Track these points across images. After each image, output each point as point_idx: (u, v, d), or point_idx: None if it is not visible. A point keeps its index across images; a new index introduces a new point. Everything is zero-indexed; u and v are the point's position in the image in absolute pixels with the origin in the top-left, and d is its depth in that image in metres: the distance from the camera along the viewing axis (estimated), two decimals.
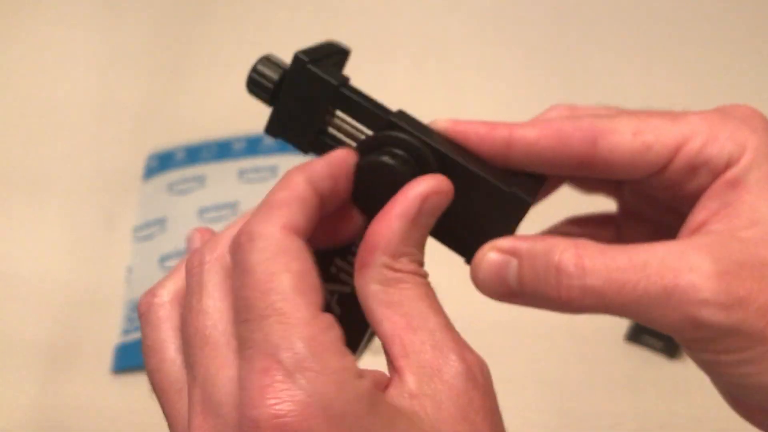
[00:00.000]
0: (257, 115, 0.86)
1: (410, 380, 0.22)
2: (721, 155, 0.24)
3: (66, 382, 0.57)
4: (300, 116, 0.26)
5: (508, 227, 0.25)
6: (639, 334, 0.56)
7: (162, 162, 0.71)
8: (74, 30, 0.88)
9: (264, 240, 0.22)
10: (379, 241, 0.24)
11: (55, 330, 0.60)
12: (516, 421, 0.53)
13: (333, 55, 0.28)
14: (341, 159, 0.25)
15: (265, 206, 0.23)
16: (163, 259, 0.62)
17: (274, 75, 0.27)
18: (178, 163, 0.70)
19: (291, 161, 0.68)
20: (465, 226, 0.26)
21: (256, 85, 0.27)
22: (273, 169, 0.67)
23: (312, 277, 0.22)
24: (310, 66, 0.26)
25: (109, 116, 0.78)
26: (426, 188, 0.24)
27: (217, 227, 0.68)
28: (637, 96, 0.77)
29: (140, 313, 0.26)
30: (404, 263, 0.24)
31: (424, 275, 0.25)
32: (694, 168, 0.24)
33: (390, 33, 0.86)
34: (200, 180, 0.68)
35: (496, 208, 0.25)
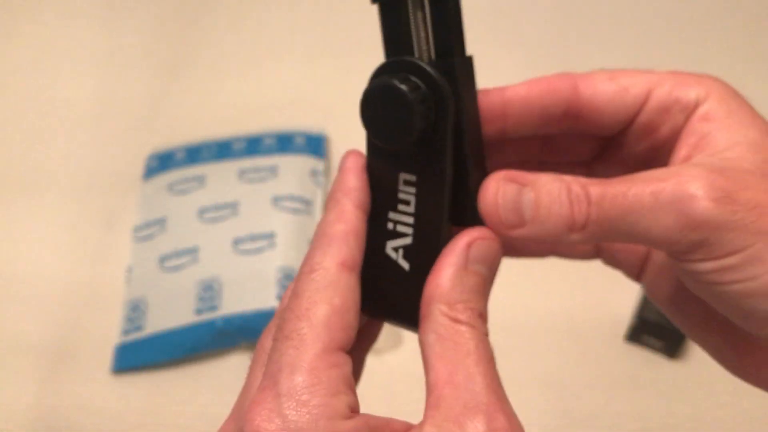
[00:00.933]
0: (257, 115, 0.86)
1: (428, 431, 0.22)
2: (689, 95, 0.26)
3: (66, 382, 0.57)
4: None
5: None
6: (639, 334, 0.56)
7: (162, 162, 0.71)
8: (74, 30, 0.88)
9: (320, 272, 0.25)
10: (434, 291, 0.24)
11: (55, 330, 0.60)
12: None
13: None
14: (361, 165, 0.27)
15: (326, 238, 0.26)
16: (163, 259, 0.62)
17: None
18: (178, 163, 0.70)
19: (291, 161, 0.68)
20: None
21: None
22: (273, 169, 0.67)
23: (349, 315, 0.24)
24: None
25: (109, 116, 0.78)
26: (470, 237, 0.25)
27: (217, 227, 0.68)
28: None
29: None
30: (460, 311, 0.24)
31: (482, 328, 0.25)
32: (666, 108, 0.26)
33: None
34: (200, 180, 0.68)
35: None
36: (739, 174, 0.23)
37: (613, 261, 0.32)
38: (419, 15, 0.25)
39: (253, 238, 0.62)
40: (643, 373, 0.56)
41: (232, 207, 0.65)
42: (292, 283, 0.27)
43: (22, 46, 0.87)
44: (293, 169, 0.67)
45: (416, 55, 0.25)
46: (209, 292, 0.59)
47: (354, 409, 0.23)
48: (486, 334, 0.24)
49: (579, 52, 0.82)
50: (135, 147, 0.73)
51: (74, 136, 0.76)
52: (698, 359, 0.56)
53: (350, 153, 0.27)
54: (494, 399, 0.23)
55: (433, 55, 0.25)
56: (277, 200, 0.64)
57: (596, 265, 0.33)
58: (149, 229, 0.65)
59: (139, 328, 0.59)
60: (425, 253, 0.26)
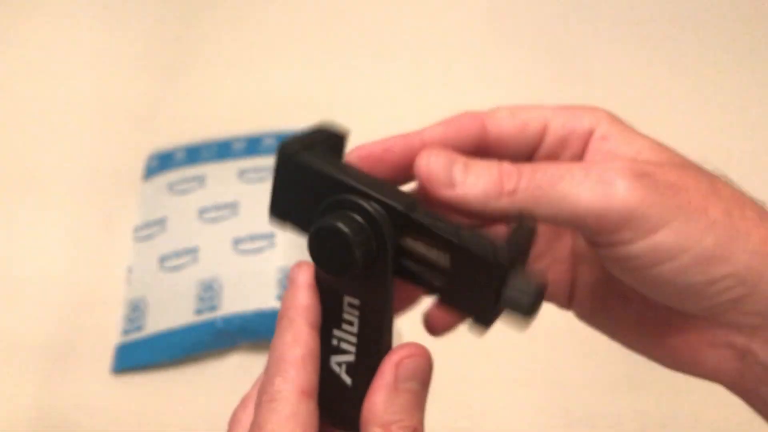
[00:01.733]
0: (257, 115, 0.86)
1: None
2: (582, 124, 0.29)
3: (66, 382, 0.57)
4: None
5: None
6: None
7: (162, 162, 0.71)
8: (74, 30, 0.88)
9: (280, 402, 0.25)
10: (368, 414, 0.26)
11: (55, 330, 0.60)
12: (516, 421, 0.53)
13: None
14: (311, 280, 0.28)
15: (284, 364, 0.26)
16: (163, 259, 0.62)
17: None
18: (178, 163, 0.70)
19: None
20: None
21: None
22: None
23: None
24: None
25: (109, 116, 0.78)
26: (398, 356, 0.26)
27: (217, 227, 0.68)
28: (638, 95, 0.77)
29: None
30: (393, 431, 0.25)
31: None
32: (563, 139, 0.29)
33: (390, 33, 0.86)
34: (200, 180, 0.68)
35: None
36: (654, 164, 0.26)
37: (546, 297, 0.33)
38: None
39: (253, 238, 0.62)
40: (643, 373, 0.56)
41: (232, 207, 0.65)
42: (248, 407, 0.28)
43: (22, 46, 0.87)
44: None
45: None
46: (209, 292, 0.59)
47: None
48: None
49: (580, 51, 0.82)
50: (135, 147, 0.73)
51: (74, 136, 0.76)
52: None
53: (300, 265, 0.28)
54: None
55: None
56: None
57: None
58: (149, 229, 0.65)
59: (139, 328, 0.59)
60: (366, 371, 0.27)
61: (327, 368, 0.28)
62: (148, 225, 0.66)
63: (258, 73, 0.81)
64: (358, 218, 0.26)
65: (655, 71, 0.80)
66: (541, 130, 0.29)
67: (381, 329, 0.27)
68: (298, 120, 0.76)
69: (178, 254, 0.62)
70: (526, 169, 0.26)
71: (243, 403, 0.28)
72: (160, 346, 0.58)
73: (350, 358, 0.27)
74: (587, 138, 0.29)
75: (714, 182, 0.26)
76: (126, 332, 0.59)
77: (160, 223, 0.65)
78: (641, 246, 0.25)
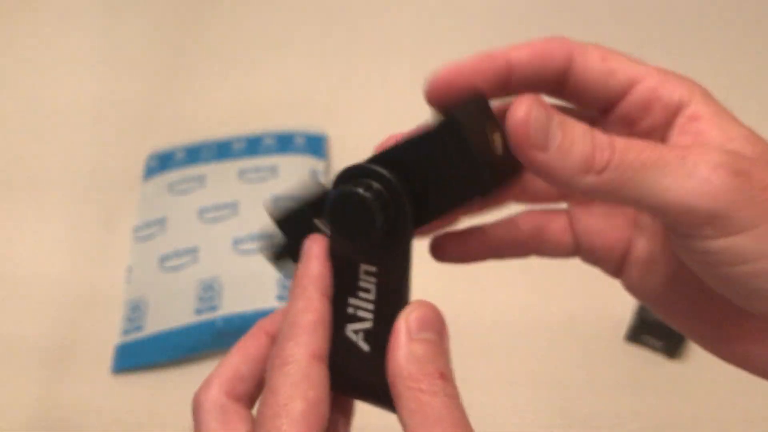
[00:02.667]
0: (257, 115, 0.86)
1: None
2: (672, 95, 0.27)
3: (66, 382, 0.57)
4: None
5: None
6: (639, 334, 0.56)
7: (162, 162, 0.71)
8: (74, 30, 0.88)
9: (293, 366, 0.26)
10: (393, 371, 0.26)
11: (55, 330, 0.60)
12: (516, 421, 0.53)
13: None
14: (325, 251, 0.28)
15: (296, 329, 0.27)
16: (163, 259, 0.62)
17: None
18: (178, 163, 0.70)
19: (291, 161, 0.68)
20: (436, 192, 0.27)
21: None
22: (273, 169, 0.67)
23: (323, 406, 0.26)
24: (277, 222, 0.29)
25: (109, 116, 0.78)
26: (405, 314, 0.26)
27: (217, 227, 0.68)
28: None
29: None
30: (420, 380, 0.25)
31: (446, 390, 0.25)
32: (648, 103, 0.27)
33: (390, 33, 0.86)
34: (200, 180, 0.68)
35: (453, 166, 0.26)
36: (747, 160, 0.24)
37: (591, 257, 0.32)
38: None
39: (253, 238, 0.62)
40: (643, 373, 0.56)
41: (232, 207, 0.65)
42: (212, 388, 0.28)
43: (22, 46, 0.87)
44: (293, 169, 0.67)
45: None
46: (209, 292, 0.59)
47: None
48: (451, 395, 0.25)
49: None
50: (135, 147, 0.73)
51: (74, 136, 0.76)
52: (698, 359, 0.56)
53: (314, 238, 0.29)
54: None
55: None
56: (277, 200, 0.64)
57: None
58: (149, 229, 0.65)
59: (139, 328, 0.59)
60: (386, 336, 0.27)
61: (342, 336, 0.28)
62: (148, 225, 0.66)
63: (258, 73, 0.81)
64: (376, 184, 0.26)
65: None
66: (627, 85, 0.27)
67: (401, 292, 0.27)
68: (298, 120, 0.76)
69: (178, 254, 0.62)
70: (620, 144, 0.24)
71: (206, 383, 0.28)
72: (160, 346, 0.58)
73: (368, 325, 0.28)
74: (674, 111, 0.27)
75: None
76: (126, 332, 0.59)
77: (160, 223, 0.65)
78: (720, 243, 0.24)
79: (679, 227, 0.24)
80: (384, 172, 0.26)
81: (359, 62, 0.83)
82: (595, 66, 0.27)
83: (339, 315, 0.28)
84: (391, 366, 0.26)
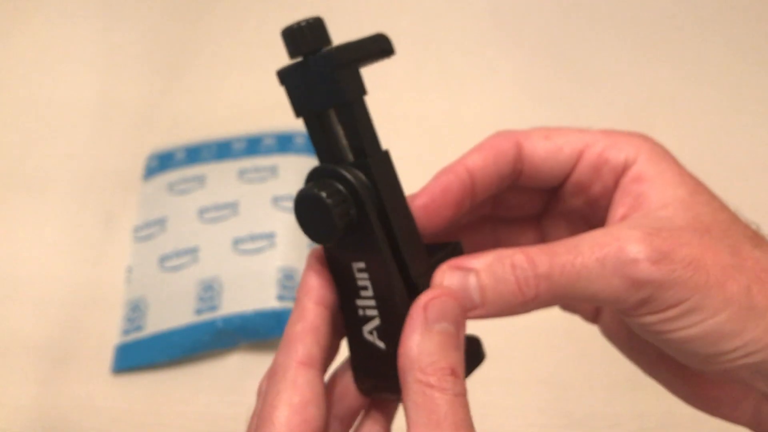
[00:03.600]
0: (257, 115, 0.86)
1: None
2: (618, 156, 0.28)
3: (66, 382, 0.57)
4: (311, 93, 0.28)
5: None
6: None
7: (162, 162, 0.71)
8: (74, 30, 0.88)
9: (279, 374, 0.27)
10: (404, 361, 0.25)
11: (55, 330, 0.60)
12: (516, 421, 0.53)
13: (370, 57, 0.29)
14: (321, 262, 0.29)
15: (286, 340, 0.28)
16: (163, 259, 0.63)
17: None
18: (178, 163, 0.70)
19: (291, 161, 0.68)
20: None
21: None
22: (273, 169, 0.67)
23: (309, 408, 0.26)
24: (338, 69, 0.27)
25: (109, 116, 0.78)
26: (425, 299, 0.26)
27: (217, 227, 0.68)
28: (639, 96, 0.77)
29: None
30: (430, 373, 0.25)
31: (454, 388, 0.25)
32: (597, 168, 0.29)
33: (390, 33, 0.86)
34: (200, 180, 0.68)
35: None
36: (675, 232, 0.25)
37: (570, 309, 0.35)
38: (335, 124, 0.28)
39: (253, 238, 0.62)
40: (643, 373, 0.56)
41: (232, 207, 0.65)
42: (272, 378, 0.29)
43: (22, 46, 0.87)
44: (293, 169, 0.67)
45: (342, 156, 0.28)
46: (209, 292, 0.59)
47: None
48: (459, 393, 0.25)
49: (580, 51, 0.82)
50: (135, 147, 0.73)
51: (74, 136, 0.76)
52: None
53: (312, 250, 0.29)
54: None
55: (351, 157, 0.28)
56: (277, 200, 0.64)
57: None
58: (149, 229, 0.65)
59: (139, 328, 0.59)
60: (393, 330, 0.27)
61: (362, 340, 0.28)
62: (148, 225, 0.66)
63: (258, 73, 0.81)
64: (338, 185, 0.26)
65: (657, 71, 0.80)
66: (576, 155, 0.29)
67: (393, 287, 0.27)
68: (298, 120, 0.76)
69: (178, 254, 0.62)
70: (542, 264, 0.25)
71: (267, 372, 0.29)
72: (160, 346, 0.58)
73: (377, 322, 0.28)
74: (620, 172, 0.28)
75: (739, 250, 0.26)
76: (126, 332, 0.59)
77: (160, 223, 0.65)
78: (652, 319, 0.25)
79: (617, 311, 0.27)
80: (345, 173, 0.26)
81: None
82: (541, 145, 0.29)
83: (353, 320, 0.28)
84: (402, 355, 0.25)
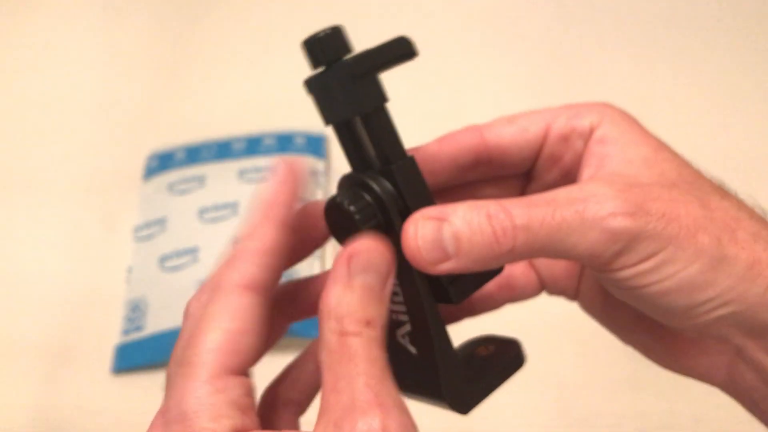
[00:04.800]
0: (257, 115, 0.86)
1: None
2: (583, 122, 0.29)
3: (66, 382, 0.57)
4: (340, 99, 0.28)
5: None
6: None
7: (162, 162, 0.71)
8: (74, 30, 0.88)
9: (219, 294, 0.25)
10: (323, 310, 0.25)
11: (55, 330, 0.60)
12: (516, 421, 0.53)
13: (388, 63, 0.29)
14: (314, 206, 0.28)
15: (233, 254, 0.26)
16: (163, 259, 0.62)
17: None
18: (178, 163, 0.70)
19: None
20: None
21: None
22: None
23: (246, 338, 0.25)
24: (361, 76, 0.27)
25: (109, 116, 0.78)
26: (349, 250, 0.25)
27: (217, 227, 0.68)
28: (638, 96, 0.77)
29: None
30: (346, 323, 0.24)
31: (369, 333, 0.24)
32: (565, 137, 0.29)
33: (390, 33, 0.86)
34: (200, 180, 0.68)
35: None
36: (645, 188, 0.26)
37: (556, 288, 0.35)
38: (361, 132, 0.28)
39: None
40: (643, 373, 0.56)
41: (232, 207, 0.65)
42: (201, 297, 0.27)
43: (22, 46, 0.87)
44: None
45: (371, 163, 0.28)
46: None
47: (242, 430, 0.23)
48: (375, 338, 0.24)
49: (579, 51, 0.82)
50: (135, 147, 0.73)
51: (74, 136, 0.76)
52: None
53: (282, 160, 0.28)
54: (371, 397, 0.23)
55: (379, 164, 0.28)
56: None
57: None
58: (149, 229, 0.65)
59: (139, 328, 0.59)
60: (421, 336, 0.27)
61: (396, 343, 0.29)
62: (148, 225, 0.66)
63: (258, 73, 0.81)
64: (363, 193, 0.27)
65: (657, 71, 0.80)
66: (542, 132, 0.30)
67: (418, 294, 0.27)
68: (298, 120, 0.76)
69: (178, 254, 0.62)
70: (520, 216, 0.25)
71: (199, 291, 0.28)
72: (160, 346, 0.58)
73: (408, 327, 0.28)
74: (587, 137, 0.29)
75: (707, 202, 0.26)
76: (126, 332, 0.59)
77: (160, 223, 0.65)
78: (627, 273, 0.26)
79: (593, 267, 0.27)
80: (370, 182, 0.27)
81: None
82: (506, 131, 0.30)
83: (391, 322, 0.28)
84: (322, 300, 0.25)
